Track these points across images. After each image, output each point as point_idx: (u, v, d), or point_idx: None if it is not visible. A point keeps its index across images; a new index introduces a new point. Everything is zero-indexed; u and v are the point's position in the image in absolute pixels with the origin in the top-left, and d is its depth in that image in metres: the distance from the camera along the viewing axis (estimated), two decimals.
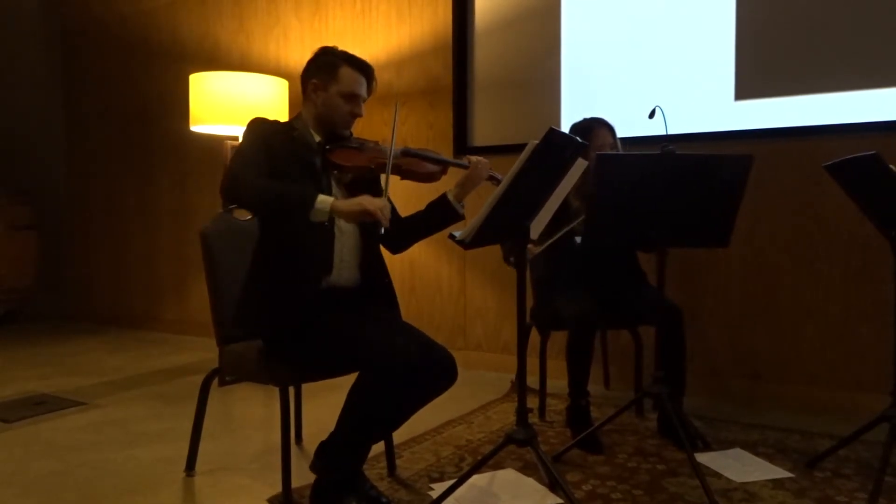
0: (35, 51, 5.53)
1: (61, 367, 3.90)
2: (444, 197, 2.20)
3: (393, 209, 2.27)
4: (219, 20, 4.60)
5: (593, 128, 2.73)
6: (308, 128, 2.12)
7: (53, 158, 5.52)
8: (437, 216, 2.22)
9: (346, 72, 2.09)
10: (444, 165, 2.20)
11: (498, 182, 2.17)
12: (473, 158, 2.19)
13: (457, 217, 2.20)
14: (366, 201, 1.88)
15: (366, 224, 2.06)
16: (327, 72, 2.09)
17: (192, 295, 4.75)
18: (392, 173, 2.07)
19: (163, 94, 4.84)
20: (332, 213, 1.89)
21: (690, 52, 3.21)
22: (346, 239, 2.08)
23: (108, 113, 5.21)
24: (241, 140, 2.09)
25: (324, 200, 1.87)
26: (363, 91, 2.12)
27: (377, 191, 2.10)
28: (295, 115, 2.18)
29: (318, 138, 2.11)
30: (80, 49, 5.36)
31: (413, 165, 2.15)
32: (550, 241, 2.39)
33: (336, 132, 2.12)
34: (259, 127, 2.07)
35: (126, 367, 3.90)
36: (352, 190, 2.12)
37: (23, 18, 5.55)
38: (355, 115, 2.12)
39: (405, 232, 2.25)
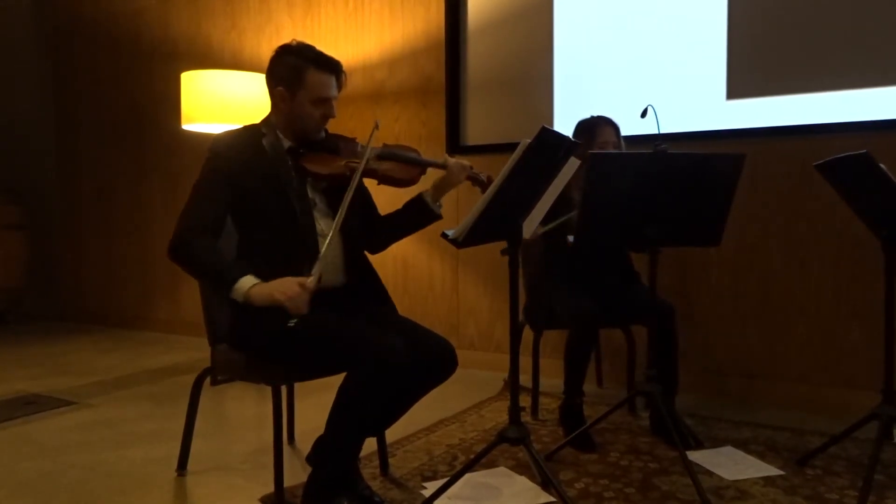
0: (25, 50, 5.50)
1: (52, 367, 3.88)
2: (420, 198, 2.15)
3: (372, 207, 2.25)
4: (210, 18, 4.58)
5: (597, 125, 2.73)
6: (277, 133, 2.05)
7: (44, 157, 5.48)
8: (415, 217, 2.17)
9: (313, 76, 1.98)
10: (422, 167, 2.15)
11: (478, 181, 2.16)
12: (451, 160, 2.13)
13: (434, 217, 2.16)
14: (281, 292, 1.79)
15: (347, 227, 2.01)
16: (293, 79, 1.99)
17: (184, 294, 4.73)
18: (369, 178, 2.04)
19: (154, 92, 4.82)
20: (247, 299, 1.85)
21: (682, 51, 3.22)
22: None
23: (99, 112, 5.18)
24: (199, 176, 2.00)
25: (240, 288, 1.84)
26: (333, 92, 2.03)
27: (355, 194, 1.96)
28: (264, 117, 2.10)
29: (288, 144, 2.05)
30: (70, 48, 5.32)
31: (391, 171, 2.08)
32: (551, 226, 2.37)
33: (309, 138, 2.05)
34: (216, 157, 1.98)
35: (117, 367, 3.88)
36: (329, 193, 2.08)
37: (13, 17, 5.52)
38: (328, 118, 2.05)
39: (383, 232, 2.22)
